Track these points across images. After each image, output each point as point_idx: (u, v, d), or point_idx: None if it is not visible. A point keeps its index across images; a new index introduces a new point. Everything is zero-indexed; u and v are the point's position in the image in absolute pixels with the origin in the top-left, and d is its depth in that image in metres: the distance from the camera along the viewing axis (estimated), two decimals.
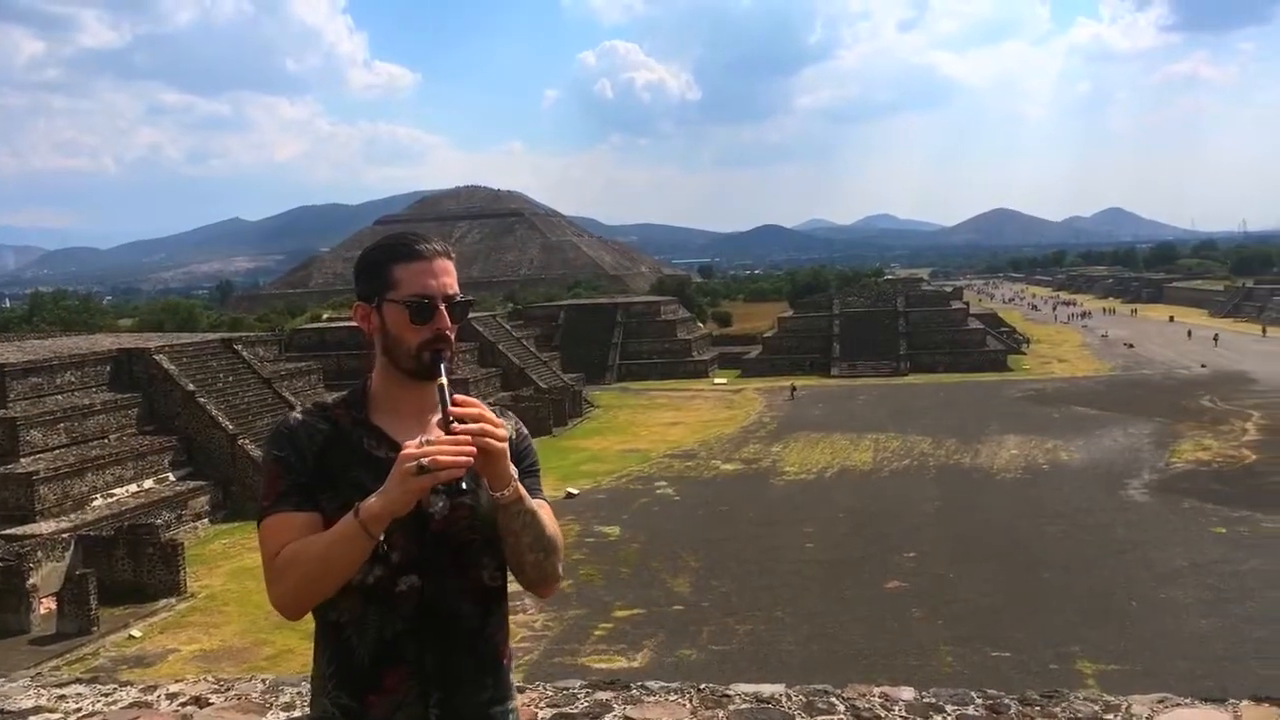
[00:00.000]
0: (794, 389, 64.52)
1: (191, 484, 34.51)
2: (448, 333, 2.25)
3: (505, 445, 2.13)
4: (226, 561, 29.46)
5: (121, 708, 3.87)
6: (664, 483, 38.60)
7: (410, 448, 2.03)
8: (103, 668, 20.14)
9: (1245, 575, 24.85)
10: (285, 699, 3.86)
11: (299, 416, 2.29)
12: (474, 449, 2.05)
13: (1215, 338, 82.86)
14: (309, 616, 2.22)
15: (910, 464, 40.65)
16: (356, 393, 2.33)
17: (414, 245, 2.28)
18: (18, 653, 21.51)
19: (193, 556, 28.45)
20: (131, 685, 4.07)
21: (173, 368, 37.21)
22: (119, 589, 25.22)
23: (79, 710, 3.86)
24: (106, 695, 3.98)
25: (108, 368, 36.59)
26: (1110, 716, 3.42)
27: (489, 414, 2.14)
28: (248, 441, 35.92)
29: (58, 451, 31.62)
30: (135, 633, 23.55)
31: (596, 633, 22.25)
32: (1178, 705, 3.45)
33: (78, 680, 4.21)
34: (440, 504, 2.19)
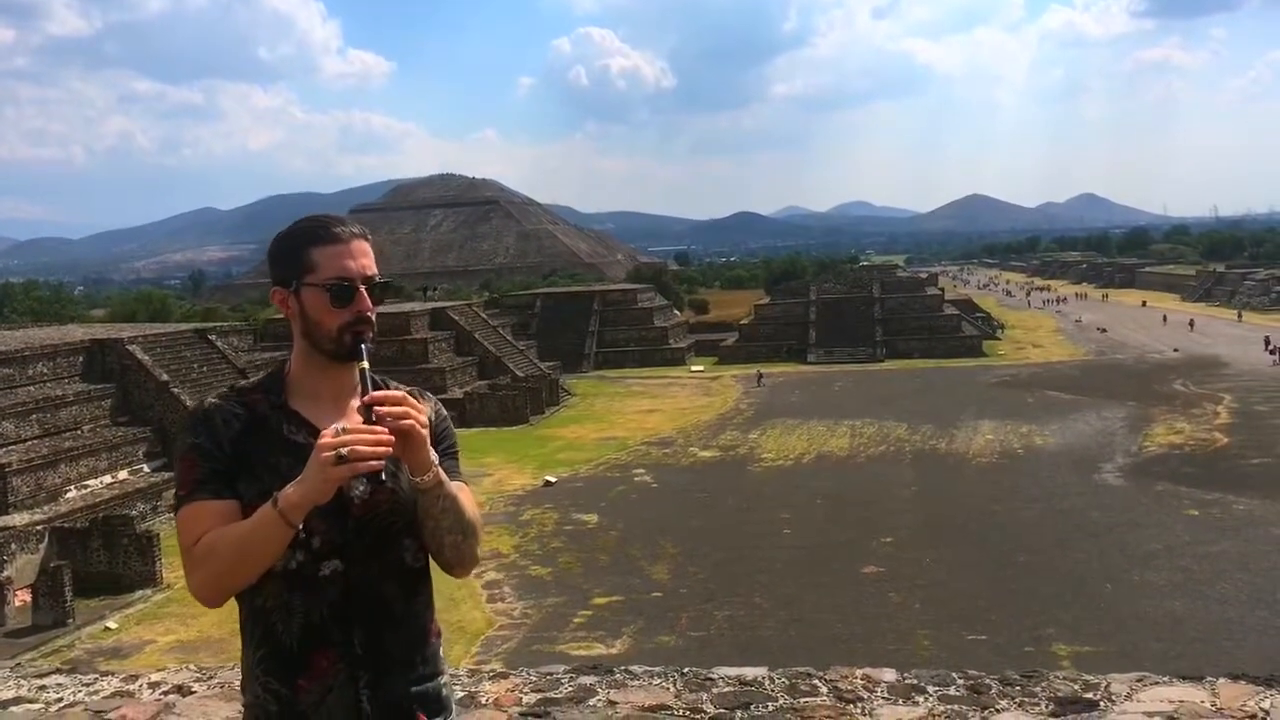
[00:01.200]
0: (760, 375, 64.62)
1: (166, 475, 34.20)
2: (368, 314, 2.23)
3: (426, 432, 2.12)
4: None
5: (103, 697, 3.85)
6: (642, 470, 38.64)
7: (327, 436, 2.01)
8: (79, 659, 20.03)
9: (1217, 557, 25.14)
10: None
11: (215, 402, 2.24)
12: (393, 438, 2.03)
13: (1190, 323, 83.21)
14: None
15: (887, 450, 40.85)
16: (273, 377, 2.30)
17: (331, 228, 2.25)
18: None
19: (169, 548, 28.20)
20: (112, 675, 4.05)
21: (146, 358, 36.93)
22: (94, 581, 25.07)
23: (60, 700, 3.84)
24: (88, 685, 3.96)
25: (80, 358, 36.27)
26: (1090, 695, 3.46)
27: (409, 400, 2.13)
28: None
29: (30, 443, 31.33)
30: (111, 624, 23.41)
31: (576, 620, 22.28)
32: (1156, 684, 3.49)
33: (58, 671, 4.18)
34: (361, 488, 2.17)
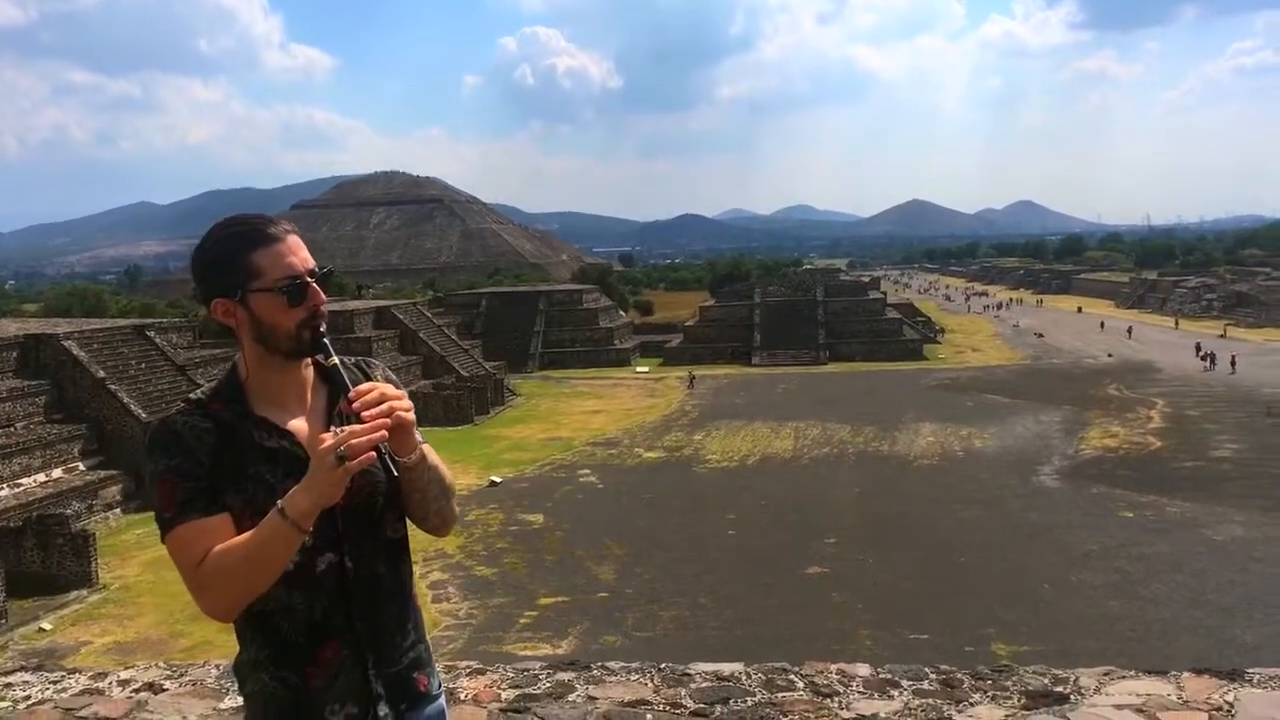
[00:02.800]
0: (693, 377, 64.84)
1: (103, 473, 33.56)
2: (323, 307, 2.22)
3: (413, 416, 2.14)
4: (141, 552, 28.76)
5: (72, 695, 3.78)
6: (587, 471, 38.61)
7: (327, 439, 2.01)
8: (11, 661, 19.57)
9: (1151, 558, 25.68)
10: None
11: (179, 418, 2.19)
12: (385, 432, 2.05)
13: (1129, 330, 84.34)
14: None
15: (830, 452, 41.20)
16: (230, 385, 2.25)
17: (265, 229, 2.22)
18: None
19: (105, 547, 27.76)
20: (80, 673, 3.97)
21: (82, 354, 36.17)
22: (28, 581, 24.51)
23: (28, 698, 3.76)
24: (55, 683, 3.87)
25: (14, 354, 35.41)
26: (1060, 689, 3.54)
27: (389, 389, 2.13)
28: None
29: None
30: (45, 625, 22.90)
31: (521, 620, 22.20)
32: (1123, 678, 3.59)
33: (23, 668, 4.09)
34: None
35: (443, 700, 2.40)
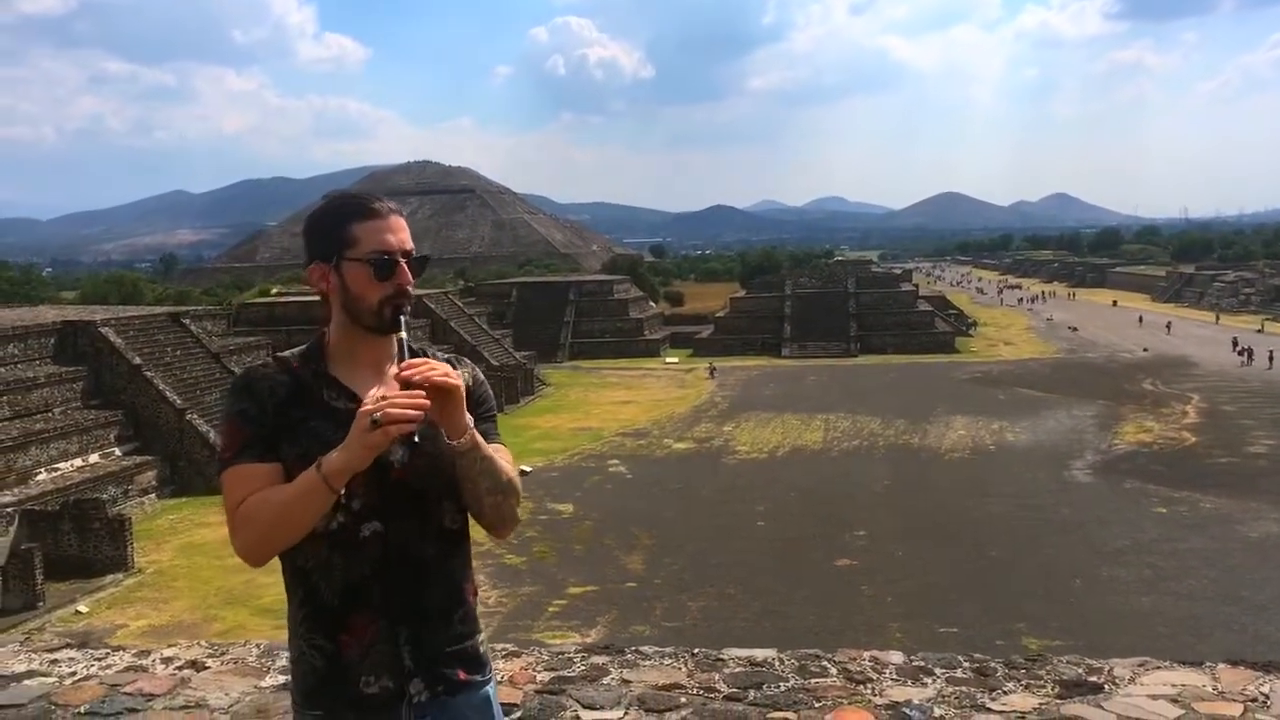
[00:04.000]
0: (713, 368, 64.81)
1: (138, 459, 33.98)
2: (408, 288, 2.28)
3: (459, 394, 2.18)
4: (175, 537, 29.13)
5: (116, 671, 3.86)
6: (616, 461, 38.69)
7: (367, 403, 2.07)
8: (57, 639, 19.88)
9: (1184, 554, 25.48)
10: (281, 663, 3.86)
11: (258, 368, 2.31)
12: (427, 402, 2.08)
13: (1168, 325, 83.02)
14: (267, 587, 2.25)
15: (860, 444, 41.09)
16: (314, 346, 2.35)
17: (370, 204, 2.32)
18: None
19: (140, 532, 28.10)
20: (124, 650, 4.06)
21: (119, 341, 36.59)
22: (65, 564, 24.88)
23: (73, 674, 3.85)
24: (99, 660, 3.96)
25: (52, 340, 35.88)
26: (1094, 679, 3.54)
27: (441, 365, 2.18)
28: (196, 416, 35.46)
29: (0, 425, 31.02)
30: (82, 608, 23.25)
31: (550, 609, 22.31)
32: (1158, 668, 3.59)
33: (68, 645, 4.18)
34: (400, 453, 2.22)
35: (490, 691, 2.42)
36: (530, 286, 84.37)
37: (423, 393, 2.09)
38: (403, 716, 2.25)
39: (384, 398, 2.07)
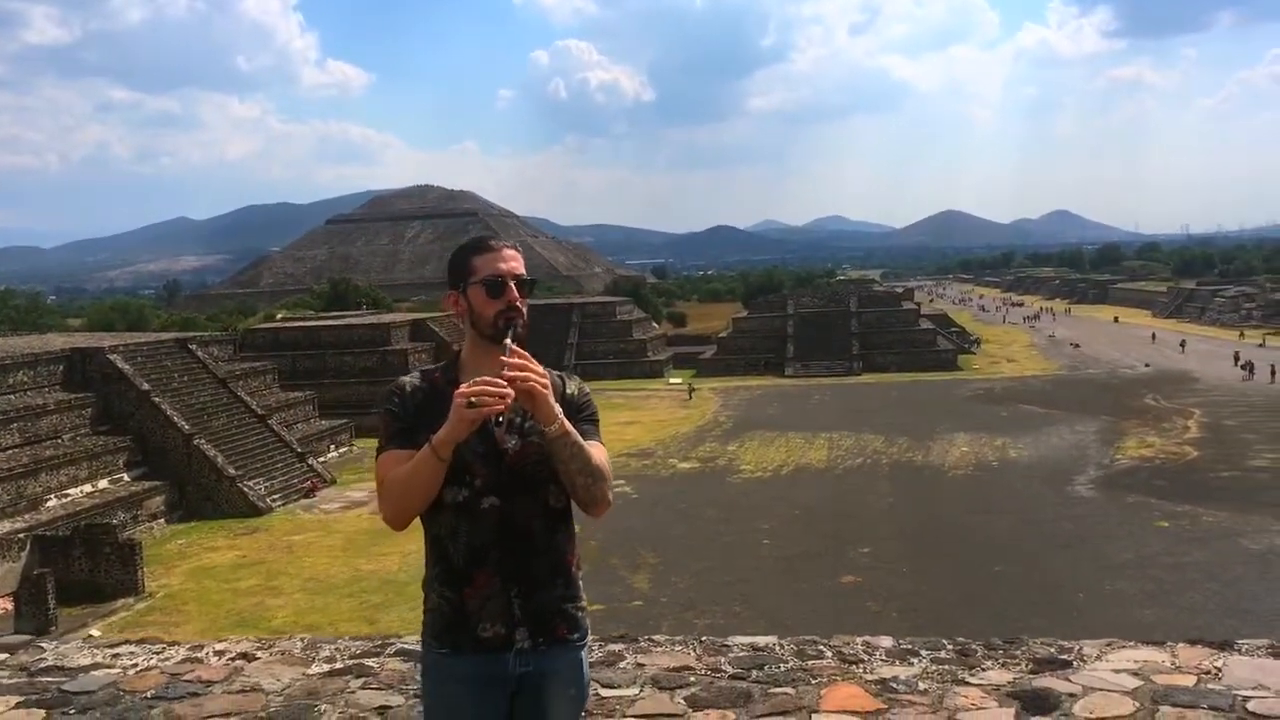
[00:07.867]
0: (691, 389, 65.15)
1: (147, 484, 34.32)
2: (517, 303, 2.81)
3: (544, 388, 2.65)
4: (184, 561, 29.41)
5: (175, 663, 4.19)
6: (621, 481, 38.86)
7: (463, 389, 2.57)
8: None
9: (1187, 568, 25.67)
10: (325, 654, 4.21)
11: (406, 379, 2.86)
12: (509, 391, 2.56)
13: (1182, 344, 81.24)
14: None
15: (864, 462, 41.33)
16: (450, 362, 2.89)
17: (487, 241, 2.90)
18: None
19: (150, 556, 28.36)
20: (179, 645, 4.40)
21: (127, 367, 36.98)
22: (76, 589, 25.15)
23: (135, 665, 4.18)
24: (158, 654, 4.30)
25: (61, 367, 36.28)
26: (1065, 657, 3.89)
27: (532, 364, 2.67)
28: (204, 441, 35.80)
29: (11, 451, 31.34)
30: (94, 632, 23.45)
31: None
32: (1123, 647, 3.94)
33: (126, 641, 4.52)
34: (513, 442, 2.72)
35: (583, 655, 2.86)
36: (534, 308, 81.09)
37: (505, 383, 2.57)
38: (510, 658, 2.72)
39: (476, 382, 2.59)
